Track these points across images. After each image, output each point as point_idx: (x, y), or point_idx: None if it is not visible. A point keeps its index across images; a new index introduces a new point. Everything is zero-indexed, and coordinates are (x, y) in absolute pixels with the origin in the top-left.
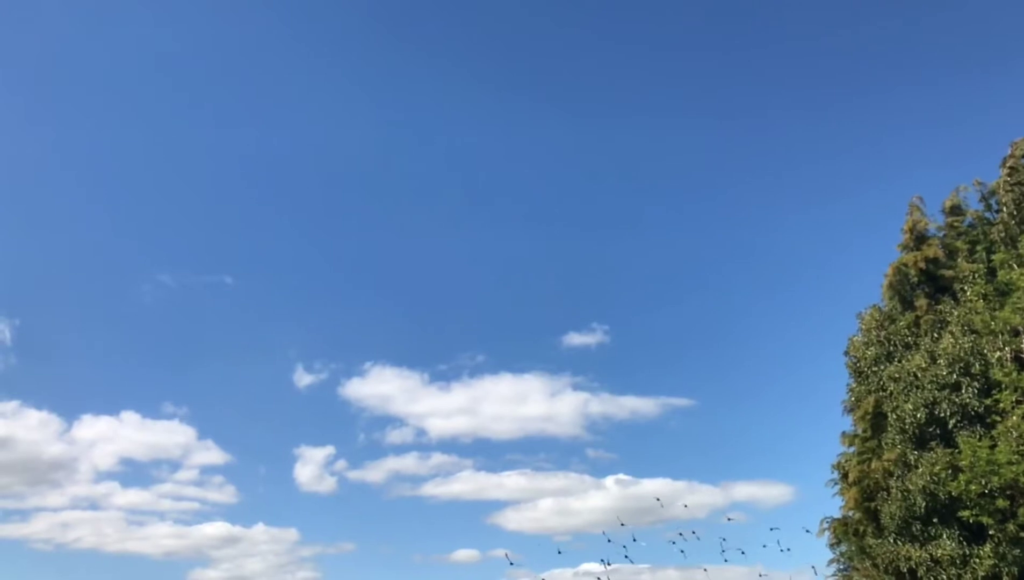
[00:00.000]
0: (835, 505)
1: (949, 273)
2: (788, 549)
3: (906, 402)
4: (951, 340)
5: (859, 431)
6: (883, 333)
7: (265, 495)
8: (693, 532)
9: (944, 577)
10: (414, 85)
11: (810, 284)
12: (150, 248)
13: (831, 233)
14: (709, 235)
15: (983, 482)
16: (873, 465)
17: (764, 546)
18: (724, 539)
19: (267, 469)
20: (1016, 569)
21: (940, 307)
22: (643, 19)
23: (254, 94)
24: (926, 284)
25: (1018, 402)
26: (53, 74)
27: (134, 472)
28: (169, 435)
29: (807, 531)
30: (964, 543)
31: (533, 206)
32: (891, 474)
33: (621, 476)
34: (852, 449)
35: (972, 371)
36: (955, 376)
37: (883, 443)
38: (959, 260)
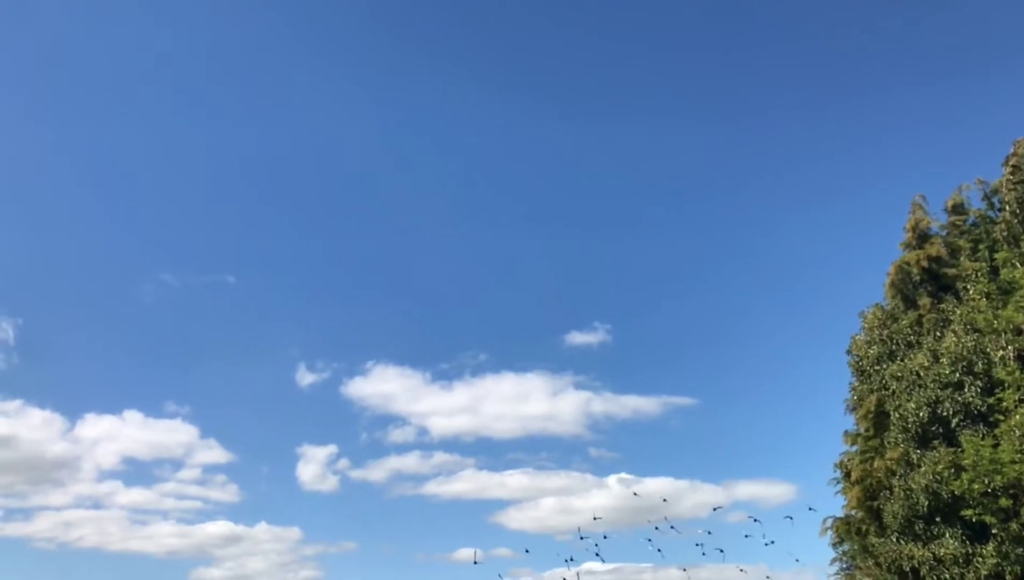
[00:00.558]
0: (838, 504)
1: (952, 272)
2: (772, 542)
3: (909, 401)
4: (954, 339)
5: (861, 430)
6: (885, 332)
7: (267, 494)
8: (672, 527)
9: (947, 576)
10: (416, 85)
11: (812, 283)
12: (152, 248)
13: (833, 232)
14: (711, 234)
15: (986, 481)
16: (876, 464)
17: (771, 542)
18: (706, 538)
19: (269, 468)
20: (1019, 568)
21: (943, 306)
22: (643, 19)
23: (255, 94)
24: (928, 283)
25: (1021, 401)
26: (55, 74)
27: (137, 471)
28: (172, 434)
29: (789, 518)
30: (967, 542)
31: (534, 205)
32: (894, 473)
33: (623, 475)
34: (855, 448)
35: (975, 370)
36: (958, 375)
37: (886, 442)
38: (962, 259)
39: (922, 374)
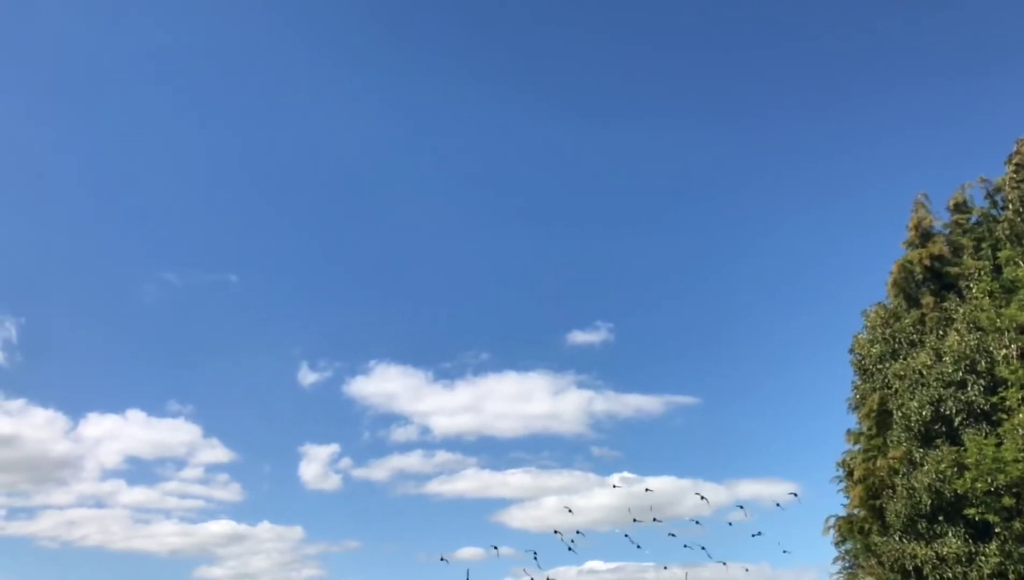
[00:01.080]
0: (840, 503)
1: (954, 270)
2: (759, 533)
3: (911, 400)
4: (957, 337)
5: (864, 429)
6: (888, 331)
7: (270, 493)
8: (655, 519)
9: (950, 575)
10: (418, 85)
11: (814, 282)
12: (155, 247)
13: (835, 231)
14: (713, 233)
15: (989, 480)
16: (878, 463)
17: (758, 533)
18: (694, 535)
19: (272, 467)
20: (1022, 567)
21: (945, 304)
22: (644, 19)
23: (257, 94)
24: (931, 281)
25: None
26: (57, 73)
27: (140, 470)
28: (174, 433)
29: (778, 505)
30: (970, 541)
31: (536, 205)
32: (896, 472)
33: (626, 474)
34: (857, 447)
35: (978, 368)
36: (961, 373)
37: (888, 441)
38: (965, 257)
39: (925, 373)
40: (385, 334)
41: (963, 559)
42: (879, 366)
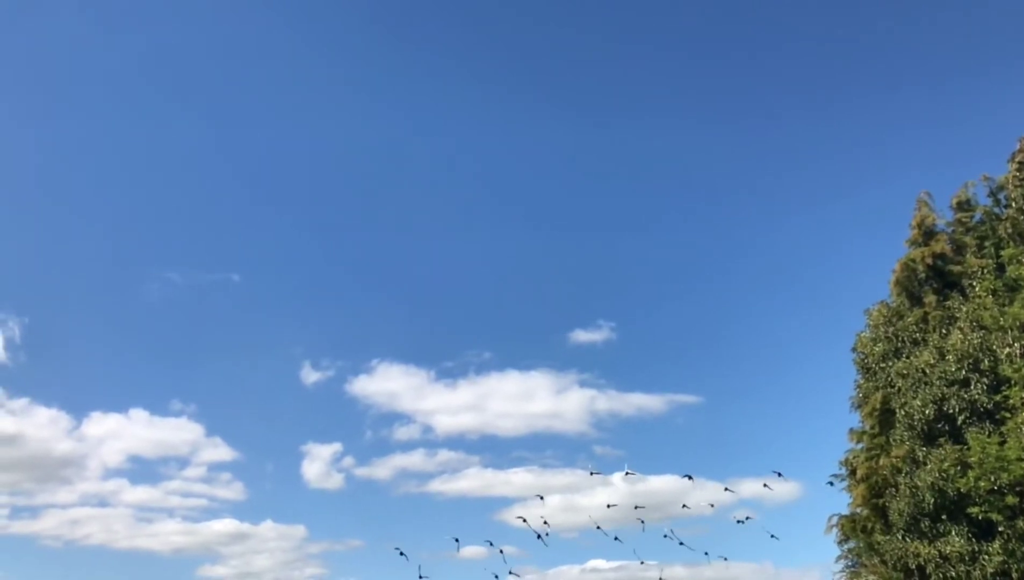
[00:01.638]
0: (843, 502)
1: (957, 269)
2: (747, 518)
3: (914, 398)
4: (960, 336)
5: (867, 428)
6: (891, 329)
7: (273, 492)
8: (636, 506)
9: (953, 574)
10: (420, 85)
11: (817, 281)
12: (158, 246)
13: (838, 230)
14: (715, 232)
15: (992, 478)
16: (881, 462)
17: (746, 518)
18: (671, 531)
19: (275, 466)
20: None
21: (948, 303)
22: (646, 19)
23: (260, 94)
24: (934, 280)
25: None
26: (59, 73)
27: (142, 469)
28: (177, 432)
29: (766, 486)
30: (973, 540)
31: (539, 204)
32: (899, 471)
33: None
34: (860, 446)
35: (981, 367)
36: (964, 372)
37: (891, 439)
38: (967, 256)
39: (928, 371)
40: (387, 333)
41: (966, 558)
42: (882, 365)
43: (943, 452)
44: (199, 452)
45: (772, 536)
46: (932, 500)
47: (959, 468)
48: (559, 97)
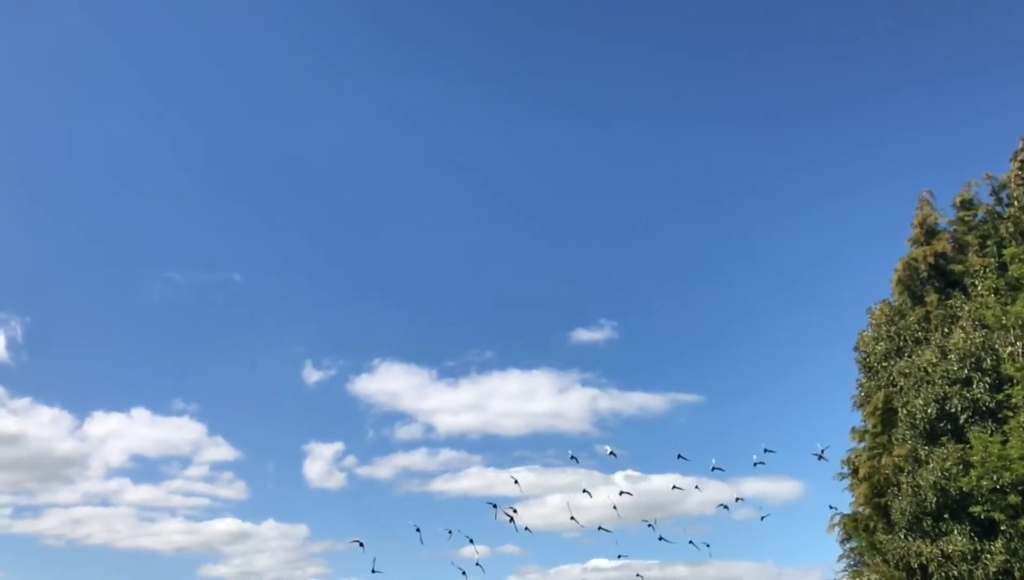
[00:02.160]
0: (845, 501)
1: (959, 268)
2: (738, 500)
3: (916, 397)
4: (962, 335)
5: (869, 427)
6: (893, 328)
7: (275, 491)
8: (621, 492)
9: (955, 573)
10: (422, 85)
11: (819, 280)
12: (159, 246)
13: (840, 229)
14: (717, 232)
15: (994, 477)
16: (883, 461)
17: (724, 506)
18: (652, 525)
19: (276, 465)
20: None
21: (950, 302)
22: (648, 20)
23: (261, 94)
24: (936, 279)
25: None
26: (61, 72)
27: (145, 469)
28: (179, 432)
29: (757, 460)
30: (975, 539)
31: (540, 204)
32: (901, 470)
33: (630, 472)
34: (862, 445)
35: (983, 366)
36: (966, 371)
37: (893, 439)
38: (969, 254)
39: (930, 370)
40: (389, 333)
41: (968, 557)
42: (884, 364)
43: (945, 451)
44: (201, 451)
45: (763, 517)
46: (934, 499)
47: (961, 467)
48: (560, 97)
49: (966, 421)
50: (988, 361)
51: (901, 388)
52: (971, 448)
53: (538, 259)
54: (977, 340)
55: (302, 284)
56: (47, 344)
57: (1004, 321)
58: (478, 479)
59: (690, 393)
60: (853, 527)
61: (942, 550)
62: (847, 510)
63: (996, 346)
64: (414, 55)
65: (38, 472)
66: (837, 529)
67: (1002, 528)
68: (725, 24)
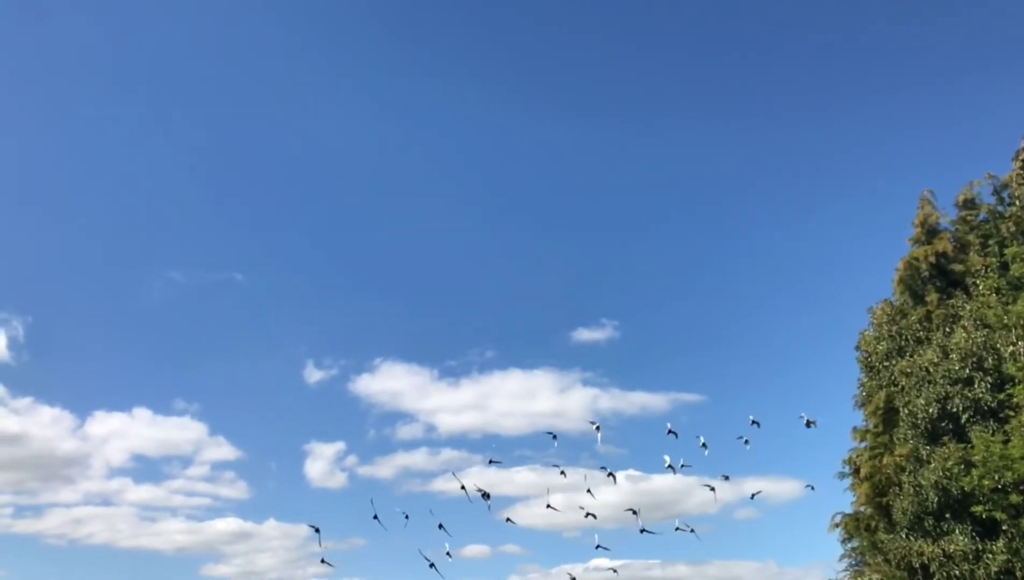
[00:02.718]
0: (846, 500)
1: (960, 267)
2: (725, 478)
3: (918, 397)
4: (963, 334)
5: (870, 426)
6: (894, 328)
7: (276, 491)
8: (610, 474)
9: (957, 573)
10: (423, 85)
11: (821, 279)
12: (161, 246)
13: (841, 229)
14: (719, 231)
15: (996, 477)
16: (885, 460)
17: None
18: (634, 511)
19: (278, 465)
20: None
21: (952, 301)
22: (648, 20)
23: (262, 93)
24: (937, 278)
25: None
26: (62, 71)
27: (146, 468)
28: (180, 431)
29: (744, 440)
30: (977, 538)
31: (542, 203)
32: (903, 469)
33: (631, 472)
34: (864, 444)
35: (985, 366)
36: (967, 371)
37: (895, 438)
38: (971, 254)
39: (931, 370)
40: (390, 332)
41: (970, 556)
42: (885, 363)
43: (947, 451)
44: (202, 451)
45: (753, 495)
46: (936, 499)
47: (963, 467)
48: (560, 97)
49: (967, 421)
50: (990, 361)
51: (902, 388)
52: (972, 448)
53: (539, 259)
54: (979, 340)
55: (303, 284)
56: (48, 344)
57: (1006, 320)
58: (479, 479)
59: (692, 392)
60: (854, 526)
61: (944, 550)
62: (848, 509)
63: (998, 346)
64: (414, 55)
65: (39, 472)
66: (838, 529)
67: (1004, 528)
68: (725, 24)
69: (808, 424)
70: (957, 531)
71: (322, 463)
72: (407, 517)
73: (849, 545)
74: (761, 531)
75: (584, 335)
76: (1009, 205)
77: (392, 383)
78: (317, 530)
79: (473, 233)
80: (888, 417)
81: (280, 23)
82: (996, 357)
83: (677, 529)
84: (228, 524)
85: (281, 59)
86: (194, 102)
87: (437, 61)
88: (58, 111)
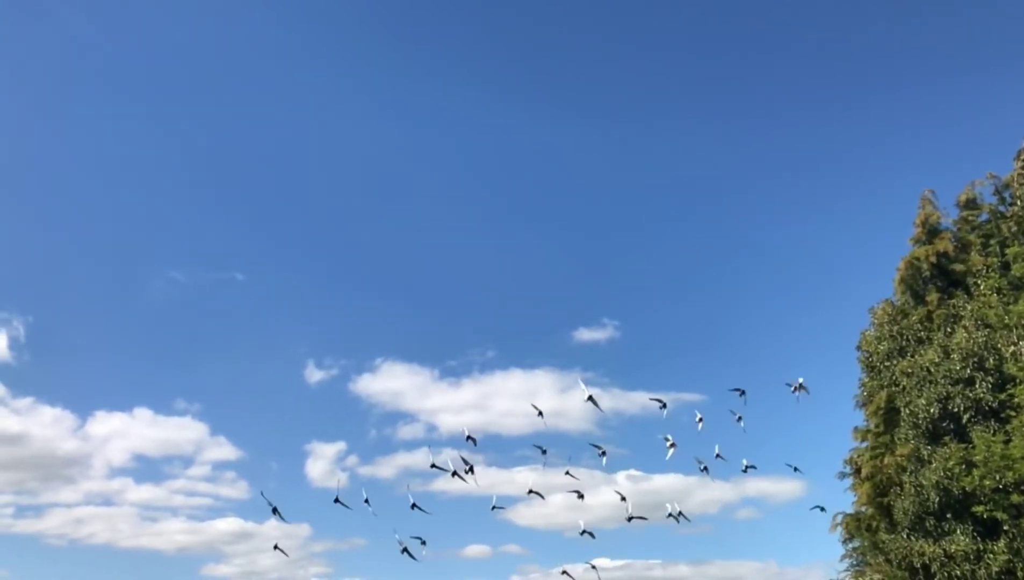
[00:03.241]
0: (847, 500)
1: (961, 267)
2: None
3: (919, 397)
4: (964, 334)
5: (872, 426)
6: (895, 328)
7: (277, 491)
8: (602, 452)
9: (958, 573)
10: (423, 84)
11: (821, 279)
12: (162, 245)
13: (843, 229)
14: (720, 231)
15: (997, 477)
16: (886, 460)
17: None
18: (623, 497)
19: (279, 465)
20: None
21: (953, 301)
22: (649, 20)
23: (264, 93)
24: (938, 278)
25: None
26: (63, 71)
27: (147, 468)
28: (181, 431)
29: (739, 392)
30: (978, 538)
31: (543, 203)
32: (904, 469)
33: (632, 472)
34: (865, 444)
35: (986, 366)
36: (968, 371)
37: (896, 438)
38: (972, 254)
39: (932, 370)
40: (391, 332)
41: (971, 557)
42: (887, 363)
43: (948, 451)
44: (203, 451)
45: (747, 468)
46: (937, 499)
47: (964, 467)
48: (561, 97)
49: (969, 421)
50: (991, 361)
51: (904, 388)
52: (974, 448)
53: (540, 258)
54: (980, 339)
55: (304, 284)
56: (49, 344)
57: (1007, 320)
58: (480, 479)
59: (693, 392)
60: (856, 527)
61: (945, 550)
62: (849, 510)
63: (999, 345)
64: (414, 55)
65: (40, 472)
66: (840, 529)
67: (1005, 528)
68: (725, 24)
69: (796, 389)
70: (958, 531)
71: (323, 463)
72: (368, 502)
73: (850, 545)
74: (762, 531)
75: (585, 335)
76: (1010, 205)
77: (393, 383)
78: (275, 510)
79: (474, 233)
80: (889, 417)
81: (280, 23)
82: (997, 357)
83: (669, 515)
84: (229, 524)
85: (281, 59)
86: (195, 102)
87: (437, 61)
88: (58, 111)
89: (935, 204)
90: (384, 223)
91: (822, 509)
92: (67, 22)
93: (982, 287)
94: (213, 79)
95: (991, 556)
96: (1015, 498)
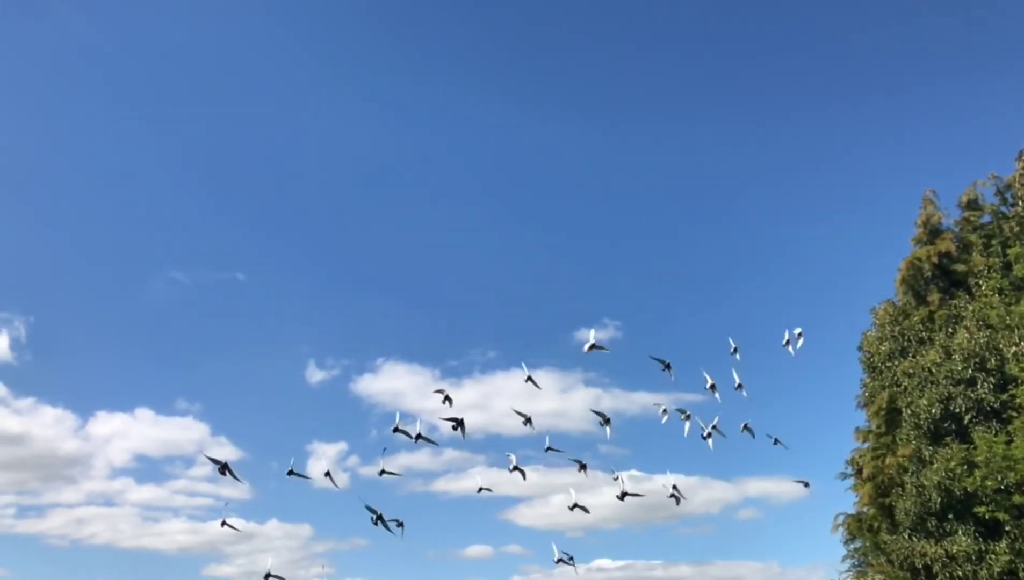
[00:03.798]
0: (849, 501)
1: (963, 268)
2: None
3: (921, 397)
4: (966, 335)
5: (873, 427)
6: (897, 328)
7: (278, 491)
8: (616, 477)
9: (959, 573)
10: (423, 84)
11: (823, 279)
12: (163, 245)
13: (844, 229)
14: (720, 231)
15: (999, 478)
16: (887, 461)
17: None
18: (616, 477)
19: (280, 465)
20: None
21: (954, 302)
22: (651, 20)
23: (265, 93)
24: (940, 279)
25: None
26: (64, 70)
27: (148, 468)
28: (183, 432)
29: (735, 353)
30: (980, 539)
31: (544, 203)
32: (906, 470)
33: (634, 472)
34: (866, 445)
35: (987, 366)
36: (970, 371)
37: (897, 439)
38: (973, 254)
39: (934, 370)
40: (392, 332)
41: (973, 557)
42: (888, 364)
43: (949, 451)
44: (204, 451)
45: (745, 426)
46: (938, 499)
47: (965, 467)
48: (562, 97)
49: (970, 421)
50: (992, 361)
51: (905, 388)
52: (975, 448)
53: (541, 259)
54: (981, 340)
55: (305, 284)
56: (50, 344)
57: (1008, 321)
58: (481, 479)
59: (694, 392)
60: (857, 527)
61: (946, 550)
62: (851, 510)
63: (1000, 346)
64: (414, 55)
65: (41, 472)
66: (841, 529)
67: (1006, 528)
68: (726, 24)
69: (787, 343)
70: (960, 532)
71: (324, 463)
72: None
73: (852, 546)
74: (763, 531)
75: (586, 335)
76: (1012, 205)
77: (394, 383)
78: (224, 467)
79: (475, 233)
80: (891, 417)
81: (280, 23)
82: (999, 358)
83: (671, 496)
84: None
85: (282, 59)
86: (195, 102)
87: (437, 61)
88: (58, 111)
89: (937, 204)
90: (385, 223)
91: (806, 484)
92: (67, 22)
93: (984, 288)
94: (214, 79)
95: (993, 557)
96: (1017, 499)
